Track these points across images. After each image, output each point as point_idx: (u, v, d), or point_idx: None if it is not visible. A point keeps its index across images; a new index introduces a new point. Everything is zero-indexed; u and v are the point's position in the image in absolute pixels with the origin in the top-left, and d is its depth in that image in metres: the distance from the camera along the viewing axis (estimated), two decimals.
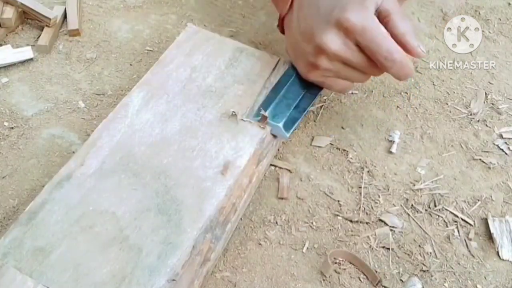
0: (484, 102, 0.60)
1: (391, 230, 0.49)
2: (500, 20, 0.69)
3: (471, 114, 0.58)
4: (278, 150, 0.54)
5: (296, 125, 0.51)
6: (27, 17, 0.65)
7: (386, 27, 0.45)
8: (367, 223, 0.49)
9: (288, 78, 0.53)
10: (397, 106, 0.59)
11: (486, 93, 0.60)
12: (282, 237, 0.48)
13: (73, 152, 0.52)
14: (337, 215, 0.50)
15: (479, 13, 0.69)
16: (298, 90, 0.52)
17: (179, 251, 0.40)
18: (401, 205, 0.51)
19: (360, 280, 0.45)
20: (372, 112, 0.58)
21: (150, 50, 0.64)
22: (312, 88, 0.53)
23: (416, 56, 0.47)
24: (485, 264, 0.47)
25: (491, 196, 0.51)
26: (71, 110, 0.57)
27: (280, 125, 0.49)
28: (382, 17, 0.46)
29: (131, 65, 0.62)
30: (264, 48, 0.63)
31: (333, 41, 0.45)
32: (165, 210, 0.42)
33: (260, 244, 0.47)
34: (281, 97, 0.51)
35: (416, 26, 0.68)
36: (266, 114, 0.48)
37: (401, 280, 0.45)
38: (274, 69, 0.54)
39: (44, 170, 0.52)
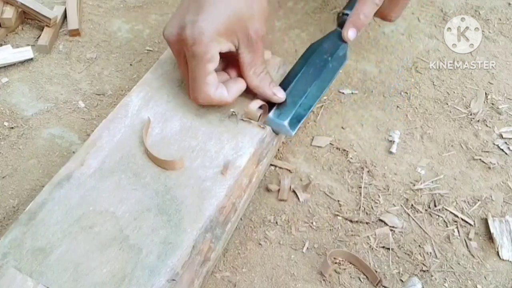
0: (484, 102, 0.60)
1: (391, 230, 0.49)
2: (500, 20, 0.69)
3: (471, 114, 0.58)
4: (278, 150, 0.54)
5: (301, 122, 0.50)
6: (27, 17, 0.65)
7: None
8: (367, 223, 0.49)
9: (294, 75, 0.52)
10: (397, 106, 0.59)
11: (486, 93, 0.60)
12: (282, 237, 0.48)
13: (73, 152, 0.52)
14: (337, 215, 0.50)
15: (479, 13, 0.69)
16: (304, 87, 0.52)
17: (179, 251, 0.40)
18: (401, 205, 0.51)
19: (360, 280, 0.45)
20: (372, 112, 0.58)
21: (150, 50, 0.64)
22: (318, 85, 0.52)
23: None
24: (485, 264, 0.47)
25: (491, 196, 0.51)
26: (71, 110, 0.57)
27: (286, 123, 0.49)
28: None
29: (131, 65, 0.62)
30: (264, 48, 0.62)
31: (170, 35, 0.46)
32: (165, 210, 0.42)
33: (260, 244, 0.47)
34: (287, 95, 0.51)
35: (416, 26, 0.68)
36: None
37: (401, 280, 0.45)
38: (274, 69, 0.54)
39: (44, 170, 0.52)
